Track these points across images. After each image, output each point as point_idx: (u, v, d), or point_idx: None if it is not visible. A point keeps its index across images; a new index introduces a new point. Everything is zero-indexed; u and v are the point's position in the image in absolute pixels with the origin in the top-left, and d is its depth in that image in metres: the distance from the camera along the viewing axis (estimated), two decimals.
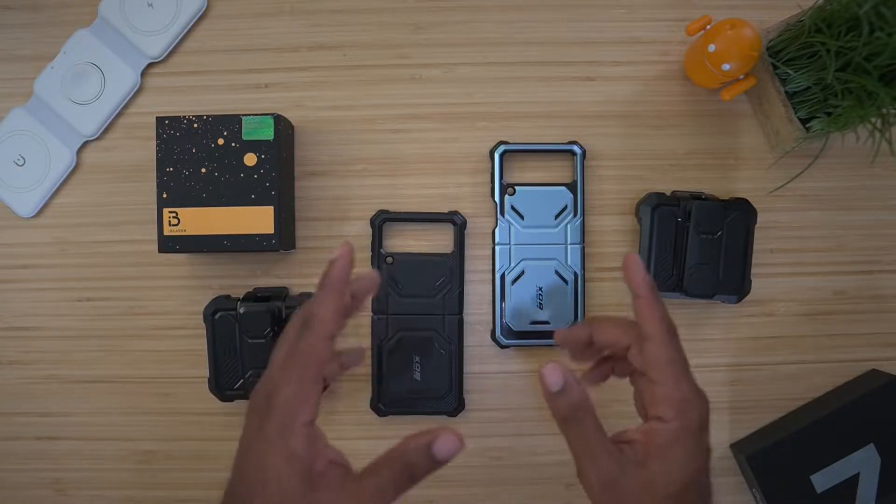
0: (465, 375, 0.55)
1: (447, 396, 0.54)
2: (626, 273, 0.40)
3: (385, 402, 0.55)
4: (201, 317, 0.53)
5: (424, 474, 0.35)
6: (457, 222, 0.55)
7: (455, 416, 0.54)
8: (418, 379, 0.54)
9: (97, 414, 0.56)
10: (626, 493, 0.36)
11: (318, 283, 0.36)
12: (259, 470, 0.33)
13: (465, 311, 0.55)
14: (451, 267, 0.54)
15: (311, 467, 0.33)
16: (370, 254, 0.55)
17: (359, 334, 0.55)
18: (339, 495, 0.33)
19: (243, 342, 0.52)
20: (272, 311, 0.52)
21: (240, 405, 0.54)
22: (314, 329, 0.35)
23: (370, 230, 0.55)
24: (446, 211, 0.55)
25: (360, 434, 0.56)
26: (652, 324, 0.38)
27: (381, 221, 0.55)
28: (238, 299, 0.53)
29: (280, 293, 0.54)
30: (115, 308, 0.56)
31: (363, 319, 0.55)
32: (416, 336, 0.54)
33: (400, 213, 0.55)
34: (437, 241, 0.56)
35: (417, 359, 0.54)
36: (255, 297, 0.53)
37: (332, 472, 0.34)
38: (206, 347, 0.53)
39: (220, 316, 0.52)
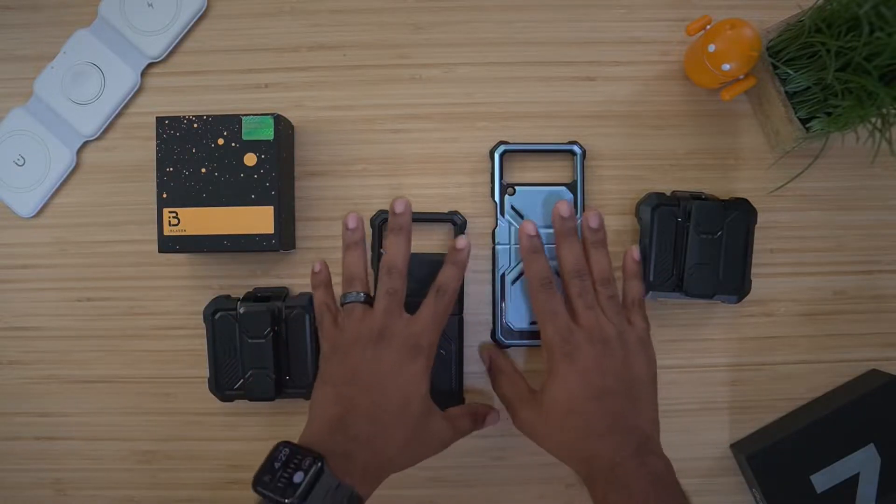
0: (465, 375, 0.55)
1: (449, 396, 0.54)
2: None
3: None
4: (201, 317, 0.53)
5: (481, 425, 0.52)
6: (457, 222, 0.55)
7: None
8: None
9: (97, 414, 0.56)
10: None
11: (446, 259, 0.51)
12: (403, 395, 0.46)
13: (465, 311, 0.55)
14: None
15: (429, 400, 0.48)
16: (370, 254, 0.55)
17: None
18: (441, 423, 0.49)
19: (243, 342, 0.52)
20: (272, 311, 0.52)
21: (240, 405, 0.54)
22: (448, 296, 0.50)
23: (370, 230, 0.55)
24: (446, 211, 0.55)
25: None
26: (527, 279, 0.52)
27: (381, 221, 0.55)
28: (238, 299, 0.53)
29: (280, 293, 0.54)
30: (115, 308, 0.56)
31: None
32: None
33: None
34: (436, 241, 0.56)
35: None
36: (256, 297, 0.53)
37: (435, 407, 0.49)
38: (206, 347, 0.53)
39: (220, 316, 0.52)
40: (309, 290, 0.55)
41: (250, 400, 0.52)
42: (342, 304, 0.50)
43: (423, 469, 0.56)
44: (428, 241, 0.56)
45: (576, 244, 0.51)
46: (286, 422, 0.56)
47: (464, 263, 0.51)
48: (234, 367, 0.52)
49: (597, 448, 0.45)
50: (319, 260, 0.53)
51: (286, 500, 0.38)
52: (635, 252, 0.52)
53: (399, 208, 0.51)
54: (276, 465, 0.40)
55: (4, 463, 0.57)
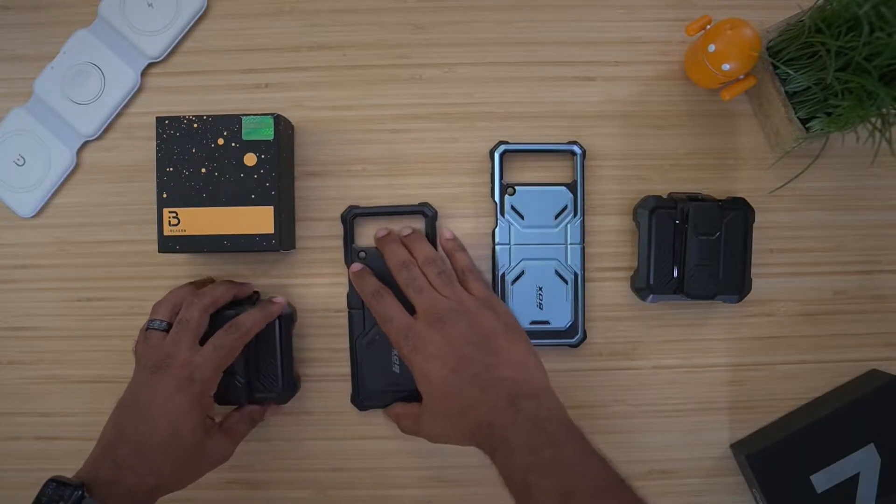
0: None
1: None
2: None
3: (365, 397, 0.55)
4: None
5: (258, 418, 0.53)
6: (428, 214, 0.55)
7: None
8: (397, 372, 0.54)
9: (97, 414, 0.56)
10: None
11: (258, 305, 0.52)
12: (171, 426, 0.46)
13: None
14: None
15: (202, 426, 0.48)
16: (343, 249, 0.55)
17: (337, 328, 0.55)
18: (219, 441, 0.49)
19: None
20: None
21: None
22: (238, 334, 0.49)
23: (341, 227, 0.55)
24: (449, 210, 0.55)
25: (344, 434, 0.56)
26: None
27: (353, 217, 0.55)
28: None
29: (251, 298, 0.54)
30: (115, 308, 0.56)
31: (340, 315, 0.55)
32: None
33: (371, 207, 0.55)
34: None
35: (395, 351, 0.54)
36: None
37: (212, 427, 0.50)
38: None
39: None
40: (308, 288, 0.55)
41: (219, 404, 0.52)
42: (146, 329, 0.50)
43: (423, 469, 0.56)
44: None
45: (397, 246, 0.53)
46: (279, 422, 0.56)
47: (272, 315, 0.52)
48: None
49: (476, 416, 0.45)
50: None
51: None
52: (446, 231, 0.54)
53: (276, 300, 0.53)
54: (45, 500, 0.41)
55: (4, 463, 0.57)
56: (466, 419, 0.45)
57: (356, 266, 0.53)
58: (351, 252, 0.54)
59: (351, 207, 0.55)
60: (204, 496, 0.56)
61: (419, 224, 0.55)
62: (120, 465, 0.44)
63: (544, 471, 0.40)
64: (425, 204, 0.55)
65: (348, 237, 0.55)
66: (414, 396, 0.53)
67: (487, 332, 0.48)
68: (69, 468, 0.56)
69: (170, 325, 0.50)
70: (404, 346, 0.48)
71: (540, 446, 0.41)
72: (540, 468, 0.40)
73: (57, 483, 0.41)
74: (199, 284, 0.53)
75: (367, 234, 0.56)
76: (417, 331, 0.48)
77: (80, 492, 0.40)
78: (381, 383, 0.54)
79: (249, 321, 0.50)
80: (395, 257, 0.52)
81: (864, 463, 0.52)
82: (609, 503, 0.38)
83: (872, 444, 0.52)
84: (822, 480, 0.52)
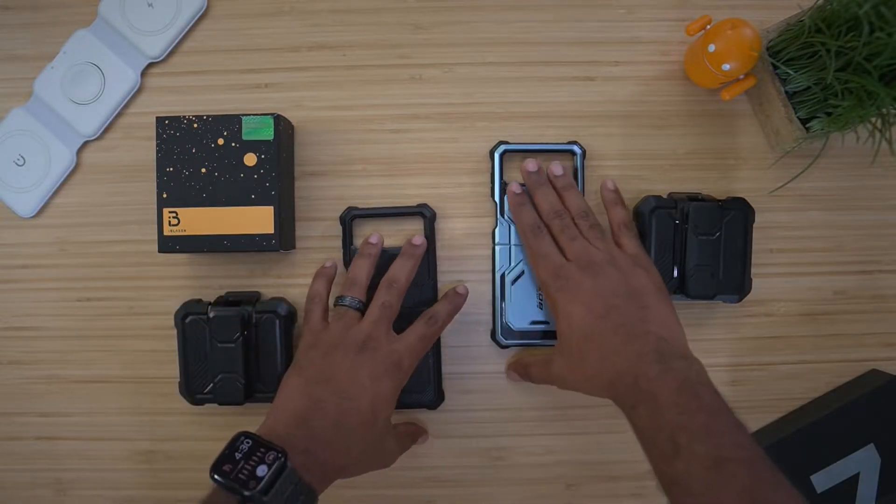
0: (465, 375, 0.55)
1: (426, 389, 0.54)
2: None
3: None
4: None
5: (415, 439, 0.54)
6: (426, 215, 0.55)
7: (435, 408, 0.55)
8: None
9: (97, 414, 0.56)
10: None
11: (444, 297, 0.53)
12: (371, 408, 0.46)
13: (464, 309, 0.55)
14: (424, 259, 0.54)
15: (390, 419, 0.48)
16: (341, 251, 0.55)
17: None
18: (393, 443, 0.49)
19: (213, 346, 0.51)
20: (242, 315, 0.51)
21: (243, 405, 0.54)
22: (438, 325, 0.50)
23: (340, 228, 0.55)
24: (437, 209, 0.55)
25: None
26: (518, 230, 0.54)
27: (351, 218, 0.55)
28: (209, 303, 0.53)
29: (251, 297, 0.54)
30: (115, 308, 0.56)
31: None
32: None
33: (369, 208, 0.55)
34: (408, 234, 0.56)
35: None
36: (226, 301, 0.53)
37: (391, 427, 0.49)
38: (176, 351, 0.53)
39: (190, 320, 0.52)
40: (285, 292, 0.55)
41: (219, 404, 0.52)
42: (336, 304, 0.51)
43: (422, 469, 0.56)
44: (400, 236, 0.55)
45: (549, 191, 0.52)
46: None
47: (460, 307, 0.53)
48: (204, 370, 0.52)
49: (617, 365, 0.44)
50: (334, 260, 0.54)
51: (246, 493, 0.38)
52: (609, 182, 0.53)
53: (417, 241, 0.53)
54: (238, 455, 0.40)
55: (4, 463, 0.57)
56: (606, 366, 0.44)
57: (515, 187, 0.52)
58: (350, 253, 0.54)
59: (349, 209, 0.55)
60: (204, 496, 0.56)
61: (418, 225, 0.55)
62: (315, 436, 0.43)
63: (696, 434, 0.39)
64: (424, 205, 0.55)
65: (347, 238, 0.55)
66: (412, 398, 0.53)
67: (637, 288, 0.47)
68: (69, 468, 0.56)
69: (362, 305, 0.50)
70: (552, 285, 0.48)
71: (691, 409, 0.40)
72: (692, 431, 0.39)
73: (254, 441, 0.40)
74: (365, 265, 0.52)
75: (366, 235, 0.55)
76: (569, 272, 0.47)
77: (283, 459, 0.39)
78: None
79: (444, 312, 0.51)
80: (547, 203, 0.51)
81: (864, 463, 0.52)
82: (761, 475, 0.37)
83: (872, 444, 0.52)
84: (822, 480, 0.52)
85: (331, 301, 0.53)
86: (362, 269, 0.52)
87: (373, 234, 0.53)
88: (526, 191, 0.53)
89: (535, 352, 0.54)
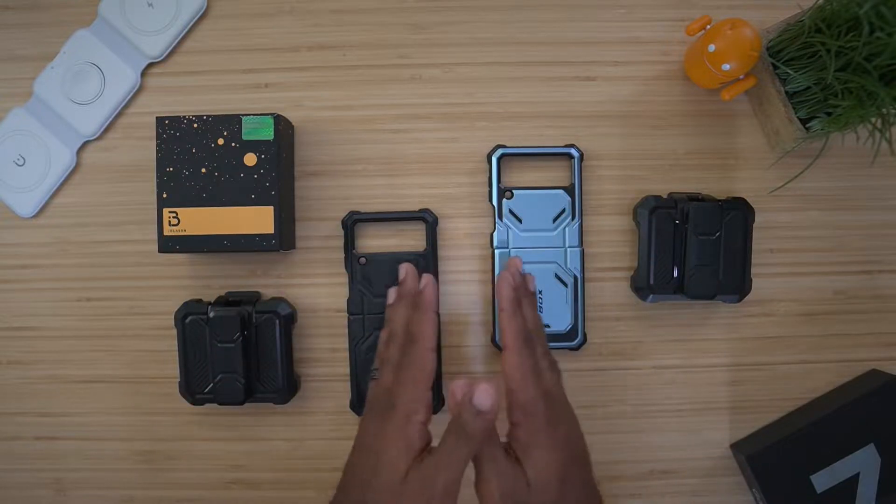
0: (464, 375, 0.55)
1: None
2: (497, 287, 0.48)
3: (365, 402, 0.54)
4: None
5: (478, 430, 0.40)
6: (428, 220, 0.55)
7: (436, 412, 0.54)
8: None
9: (97, 414, 0.56)
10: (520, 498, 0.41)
11: (412, 305, 0.47)
12: (378, 452, 0.40)
13: (464, 310, 0.55)
14: (425, 265, 0.54)
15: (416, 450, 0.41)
16: (343, 255, 0.55)
17: (337, 328, 0.55)
18: (426, 468, 0.40)
19: (213, 346, 0.51)
20: (242, 315, 0.51)
21: (244, 405, 0.54)
22: (420, 343, 0.44)
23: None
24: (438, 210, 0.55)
25: (344, 434, 0.56)
26: (508, 336, 0.45)
27: (353, 222, 0.55)
28: (209, 303, 0.53)
29: (251, 297, 0.54)
30: (115, 308, 0.56)
31: (340, 315, 0.55)
32: None
33: (371, 213, 0.55)
34: (410, 239, 0.56)
35: None
36: (227, 301, 0.53)
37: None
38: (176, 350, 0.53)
39: (190, 320, 0.52)
40: (307, 288, 0.55)
41: (219, 404, 0.52)
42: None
43: None
44: (402, 240, 0.56)
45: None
46: (279, 422, 0.56)
47: (430, 304, 0.47)
48: (204, 370, 0.52)
49: None
50: (427, 275, 0.49)
51: None
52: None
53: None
54: None
55: (4, 463, 0.57)
56: None
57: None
58: (351, 258, 0.54)
59: (351, 213, 0.55)
60: (204, 496, 0.56)
61: (419, 228, 0.55)
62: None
63: None
64: (426, 210, 0.55)
65: (349, 243, 0.55)
66: None
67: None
68: (69, 468, 0.57)
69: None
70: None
71: None
72: None
73: None
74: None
75: (368, 239, 0.56)
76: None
77: None
78: None
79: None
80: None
81: (864, 463, 0.52)
82: None
83: (872, 444, 0.52)
84: (822, 480, 0.52)
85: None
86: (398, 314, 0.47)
87: (390, 292, 0.49)
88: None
89: None
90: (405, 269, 0.49)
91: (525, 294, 0.48)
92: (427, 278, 0.48)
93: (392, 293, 0.49)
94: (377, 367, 0.45)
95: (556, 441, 0.42)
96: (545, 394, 0.43)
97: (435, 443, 0.53)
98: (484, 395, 0.40)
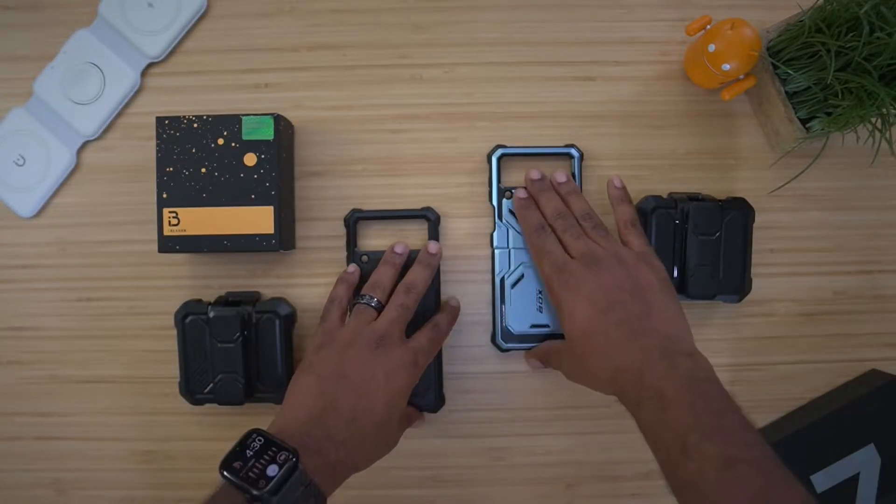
0: (465, 375, 0.55)
1: (427, 393, 0.54)
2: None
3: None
4: None
5: (447, 318, 0.53)
6: (430, 218, 0.55)
7: (436, 412, 0.54)
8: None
9: (97, 414, 0.56)
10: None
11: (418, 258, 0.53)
12: (387, 406, 0.46)
13: (464, 310, 0.55)
14: None
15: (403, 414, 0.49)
16: (345, 253, 0.55)
17: None
18: (400, 431, 0.49)
19: (213, 346, 0.51)
20: (242, 315, 0.51)
21: (245, 405, 0.54)
22: (442, 333, 0.52)
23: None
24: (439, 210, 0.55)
25: None
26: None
27: (355, 220, 0.55)
28: (209, 303, 0.53)
29: (251, 297, 0.54)
30: (115, 308, 0.56)
31: None
32: None
33: (373, 211, 0.55)
34: (412, 238, 0.56)
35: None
36: (226, 301, 0.53)
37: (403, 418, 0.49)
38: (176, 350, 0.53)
39: (190, 320, 0.52)
40: (307, 288, 0.55)
41: (219, 404, 0.52)
42: (355, 303, 0.51)
43: (423, 469, 0.56)
44: (402, 237, 0.56)
45: (553, 195, 0.52)
46: None
47: (456, 317, 0.54)
48: (204, 370, 0.52)
49: (621, 361, 0.43)
50: (356, 266, 0.54)
51: (255, 492, 0.37)
52: (616, 180, 0.53)
53: (433, 249, 0.53)
54: (248, 453, 0.39)
55: (4, 463, 0.57)
56: (608, 362, 0.44)
57: (522, 193, 0.53)
58: (353, 255, 0.54)
59: (353, 211, 0.55)
60: (204, 496, 0.56)
61: (422, 228, 0.55)
62: (329, 437, 0.42)
63: (707, 434, 0.38)
64: (428, 208, 0.55)
65: (351, 240, 0.55)
66: (413, 402, 0.53)
67: (642, 284, 0.46)
68: (69, 468, 0.56)
69: (381, 306, 0.50)
70: (555, 281, 0.47)
71: (700, 408, 0.39)
72: (700, 430, 0.38)
73: (266, 439, 0.39)
74: (389, 272, 0.52)
75: (369, 237, 0.56)
76: (573, 268, 0.47)
77: (294, 459, 0.38)
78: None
79: (445, 322, 0.52)
80: (551, 205, 0.51)
81: (864, 463, 0.52)
82: (773, 475, 0.36)
83: (872, 444, 0.52)
84: (822, 480, 0.52)
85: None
86: (386, 274, 0.52)
87: (398, 244, 0.53)
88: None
89: (550, 343, 0.53)
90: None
91: (543, 188, 0.53)
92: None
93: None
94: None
95: (575, 300, 0.47)
96: (560, 265, 0.48)
97: (429, 441, 0.53)
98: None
